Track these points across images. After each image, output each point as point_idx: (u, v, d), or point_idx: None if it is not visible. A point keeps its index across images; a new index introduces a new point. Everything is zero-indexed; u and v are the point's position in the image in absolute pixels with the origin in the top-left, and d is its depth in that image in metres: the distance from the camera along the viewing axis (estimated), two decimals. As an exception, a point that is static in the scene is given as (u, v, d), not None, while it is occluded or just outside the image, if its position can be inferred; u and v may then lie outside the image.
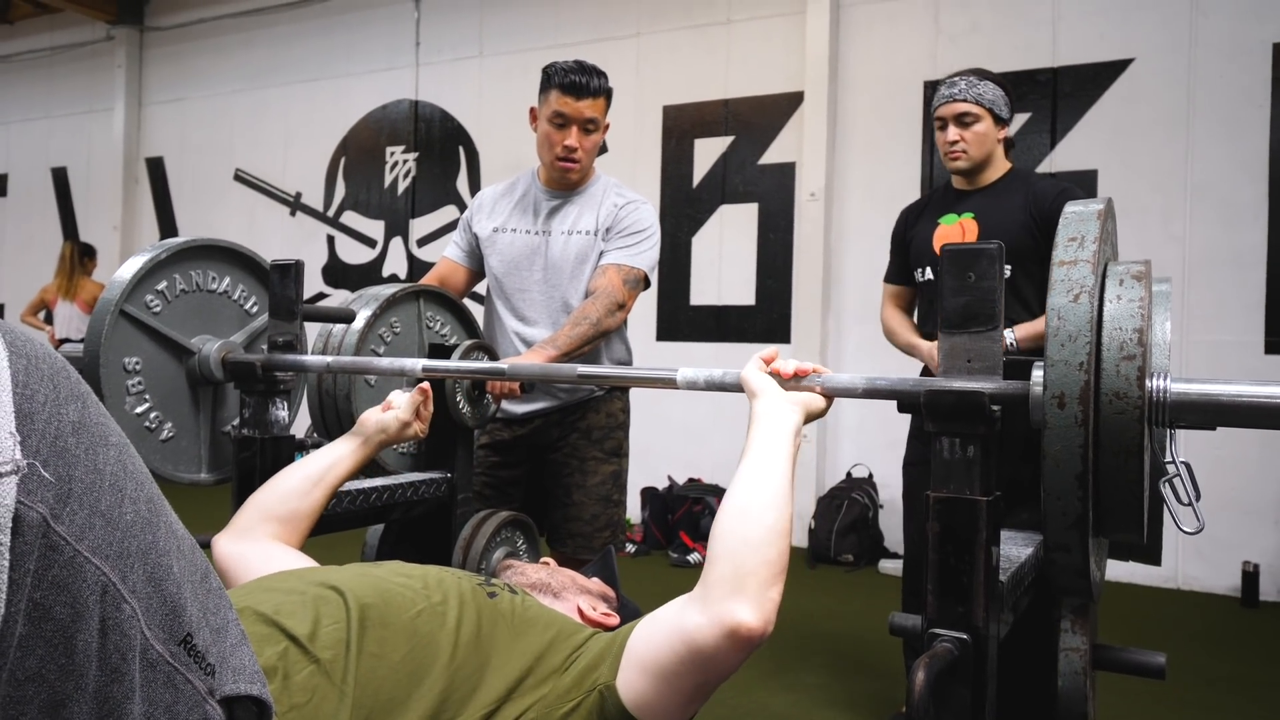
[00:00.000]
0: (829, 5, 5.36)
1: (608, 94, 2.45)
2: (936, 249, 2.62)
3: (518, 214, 2.56)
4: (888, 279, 2.95)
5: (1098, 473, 1.03)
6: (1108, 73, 4.75)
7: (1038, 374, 1.08)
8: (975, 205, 2.65)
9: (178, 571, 0.79)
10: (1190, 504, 1.07)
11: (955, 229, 2.65)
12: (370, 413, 1.77)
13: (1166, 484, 1.09)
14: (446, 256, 2.66)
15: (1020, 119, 4.94)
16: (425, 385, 1.81)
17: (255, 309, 2.04)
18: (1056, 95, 4.89)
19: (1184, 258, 4.52)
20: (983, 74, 2.66)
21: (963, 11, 5.14)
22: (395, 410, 1.75)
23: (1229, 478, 4.36)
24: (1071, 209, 1.13)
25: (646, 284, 2.50)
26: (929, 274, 2.69)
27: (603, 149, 6.30)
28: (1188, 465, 1.09)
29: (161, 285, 1.86)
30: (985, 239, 2.50)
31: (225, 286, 1.98)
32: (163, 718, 0.77)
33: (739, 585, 1.11)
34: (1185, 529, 1.07)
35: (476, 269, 2.64)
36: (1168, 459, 1.09)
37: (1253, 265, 4.44)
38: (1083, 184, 4.67)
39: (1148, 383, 1.03)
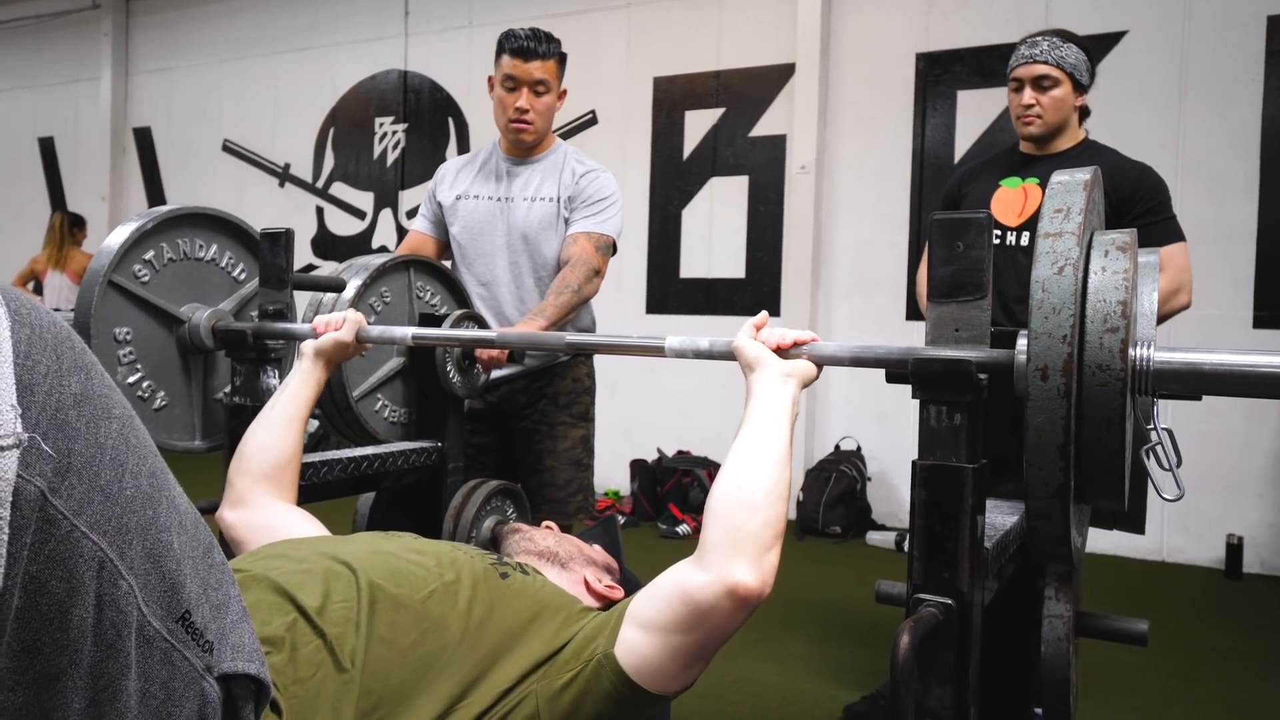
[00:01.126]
0: (822, -24, 5.33)
1: (559, 57, 2.49)
2: (994, 213, 2.52)
3: (480, 181, 2.60)
4: None
5: (1080, 443, 1.04)
6: (1100, 45, 4.73)
7: (1022, 343, 1.09)
8: (1043, 172, 2.52)
9: (178, 547, 0.78)
10: (1170, 470, 1.09)
11: (1018, 193, 2.55)
12: (309, 344, 1.71)
13: (1149, 452, 1.11)
14: (415, 229, 2.69)
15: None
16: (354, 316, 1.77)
17: (244, 276, 2.03)
18: (1049, 68, 4.87)
19: (1173, 232, 4.53)
20: (1067, 36, 2.53)
21: (956, -17, 5.12)
22: (336, 335, 1.70)
23: (1214, 451, 4.39)
24: (1058, 179, 1.13)
25: (614, 249, 2.54)
26: None
27: (593, 121, 6.28)
28: (1169, 432, 1.10)
29: (149, 255, 1.86)
30: None
31: (213, 254, 1.98)
32: (159, 694, 0.77)
33: (738, 546, 1.13)
34: (1165, 496, 1.08)
35: (445, 239, 2.67)
36: (1149, 426, 1.10)
37: (1242, 240, 4.46)
38: (1074, 158, 4.67)
39: (1130, 351, 1.03)
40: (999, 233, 2.53)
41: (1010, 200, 2.54)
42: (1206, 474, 4.40)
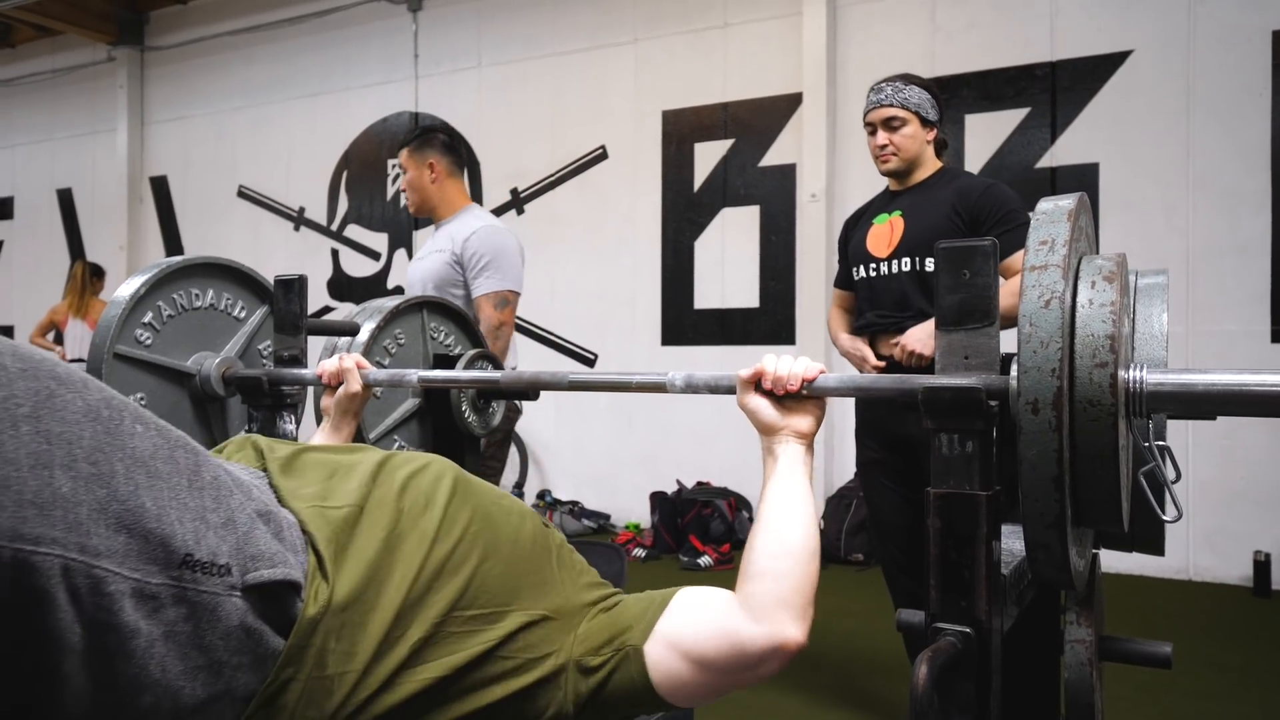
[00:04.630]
0: (825, 6, 5.36)
1: (408, 144, 3.07)
2: (869, 248, 2.73)
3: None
4: (835, 283, 3.04)
5: (1075, 474, 1.04)
6: (1106, 65, 4.75)
7: (1014, 368, 1.08)
8: (904, 204, 2.73)
9: (152, 504, 0.77)
10: (1166, 486, 1.08)
11: (885, 227, 2.73)
12: (327, 400, 1.76)
13: (1147, 474, 1.10)
14: None
15: (1019, 114, 4.94)
16: (348, 363, 1.78)
17: (244, 314, 2.06)
18: (1055, 89, 4.88)
19: (1187, 249, 4.52)
20: (909, 79, 2.74)
21: (960, 8, 5.14)
22: (345, 389, 1.72)
23: (1238, 468, 4.35)
24: (1044, 207, 1.12)
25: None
26: (863, 272, 2.76)
27: (603, 155, 6.35)
28: (1167, 449, 1.09)
29: (148, 317, 1.88)
30: (911, 235, 2.64)
31: (210, 300, 2.00)
32: (184, 628, 0.78)
33: (785, 601, 1.14)
34: (1165, 517, 1.08)
35: None
36: (1146, 444, 1.09)
37: (1257, 255, 4.44)
38: (1084, 178, 4.67)
39: (1123, 374, 1.03)
40: (874, 264, 2.72)
41: (880, 234, 2.74)
42: (1232, 491, 4.35)
